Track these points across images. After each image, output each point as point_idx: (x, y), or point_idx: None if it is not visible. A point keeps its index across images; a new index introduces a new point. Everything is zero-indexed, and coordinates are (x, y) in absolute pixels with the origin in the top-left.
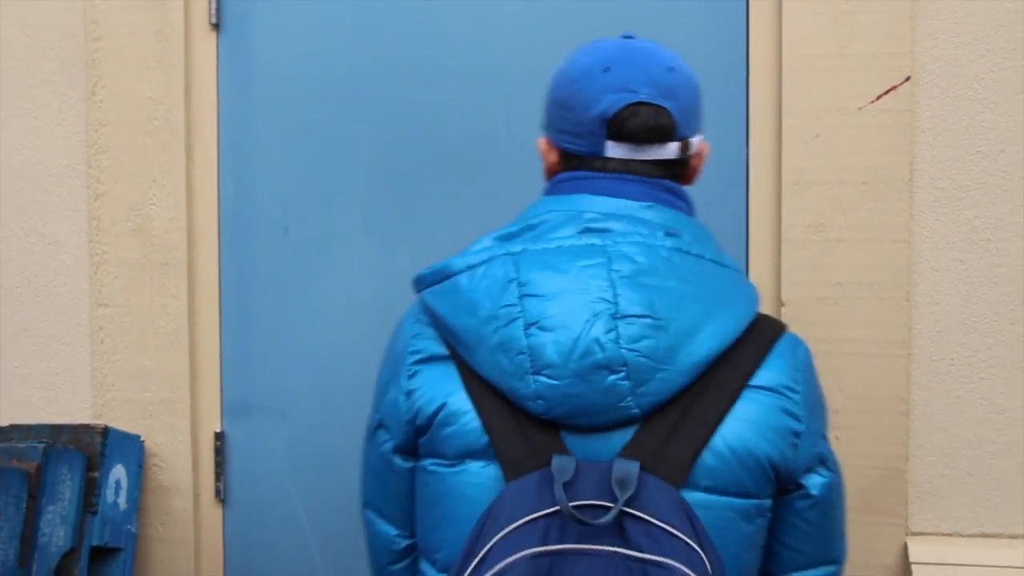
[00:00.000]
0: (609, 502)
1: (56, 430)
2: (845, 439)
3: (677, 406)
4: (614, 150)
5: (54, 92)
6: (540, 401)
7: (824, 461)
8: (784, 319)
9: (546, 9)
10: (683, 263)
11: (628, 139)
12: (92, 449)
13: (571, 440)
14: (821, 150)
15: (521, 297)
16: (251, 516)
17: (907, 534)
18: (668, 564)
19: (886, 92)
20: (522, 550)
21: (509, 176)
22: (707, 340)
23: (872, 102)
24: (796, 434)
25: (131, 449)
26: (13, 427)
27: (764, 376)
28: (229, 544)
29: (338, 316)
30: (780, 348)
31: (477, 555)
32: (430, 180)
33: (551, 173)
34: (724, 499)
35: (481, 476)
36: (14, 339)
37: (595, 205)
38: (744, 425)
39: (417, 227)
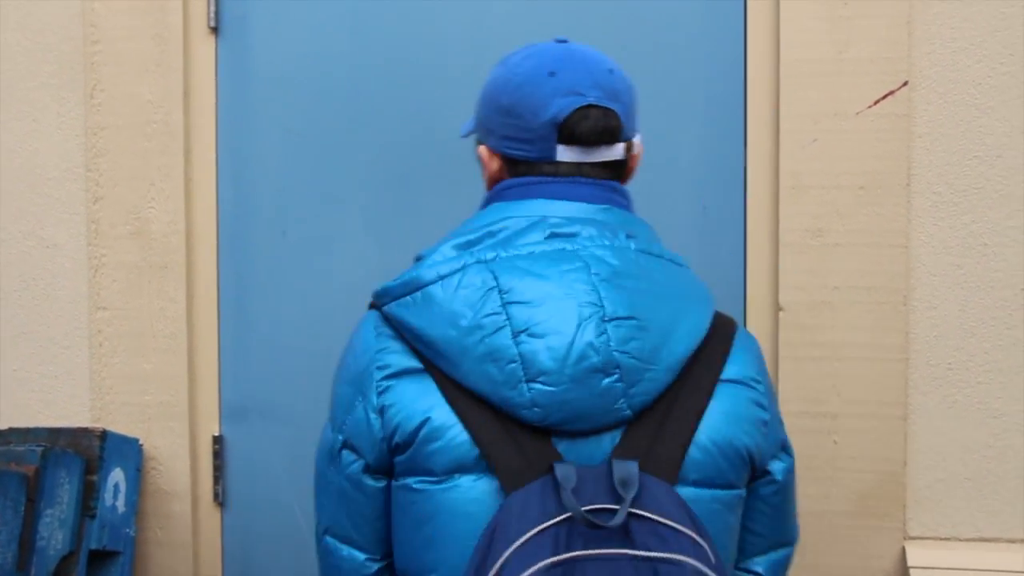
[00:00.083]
0: (613, 504)
1: (54, 433)
2: (843, 443)
3: (661, 405)
4: (564, 153)
5: (53, 95)
6: (536, 409)
7: (784, 447)
8: (782, 323)
9: (544, 11)
10: (648, 264)
11: (579, 142)
12: (90, 452)
13: (563, 446)
14: (819, 155)
15: (504, 305)
16: (249, 519)
17: (905, 538)
18: (679, 560)
19: (883, 97)
20: (537, 562)
21: None
22: (683, 338)
23: (870, 107)
24: (765, 423)
25: (129, 452)
26: (11, 430)
27: (732, 370)
28: (227, 547)
29: (337, 319)
30: (740, 342)
31: (490, 570)
32: (428, 182)
33: (493, 180)
34: (711, 492)
35: (474, 490)
36: (12, 342)
37: (555, 209)
38: (722, 418)
39: (416, 229)
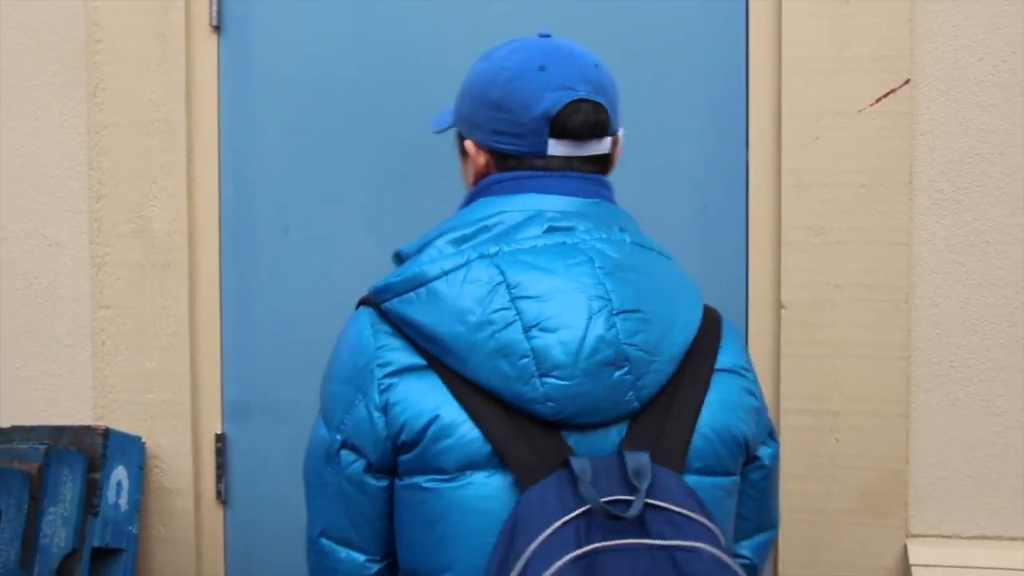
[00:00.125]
0: (627, 495)
1: (57, 431)
2: (845, 441)
3: (663, 396)
4: (556, 148)
5: (55, 94)
6: (550, 403)
7: (771, 433)
8: (784, 321)
9: (545, 11)
10: (643, 257)
11: (570, 136)
12: (93, 450)
13: (572, 439)
14: (821, 153)
15: (513, 300)
16: (252, 517)
17: (907, 536)
18: (696, 547)
19: (885, 95)
20: (562, 555)
21: None
22: (683, 329)
23: (871, 105)
24: (756, 411)
25: (132, 450)
26: (14, 428)
27: (724, 359)
28: (230, 545)
29: (339, 317)
30: (727, 332)
31: (514, 567)
32: (430, 181)
33: (480, 175)
34: (713, 479)
35: (487, 487)
36: (15, 340)
37: (549, 204)
38: (720, 407)
39: (417, 228)
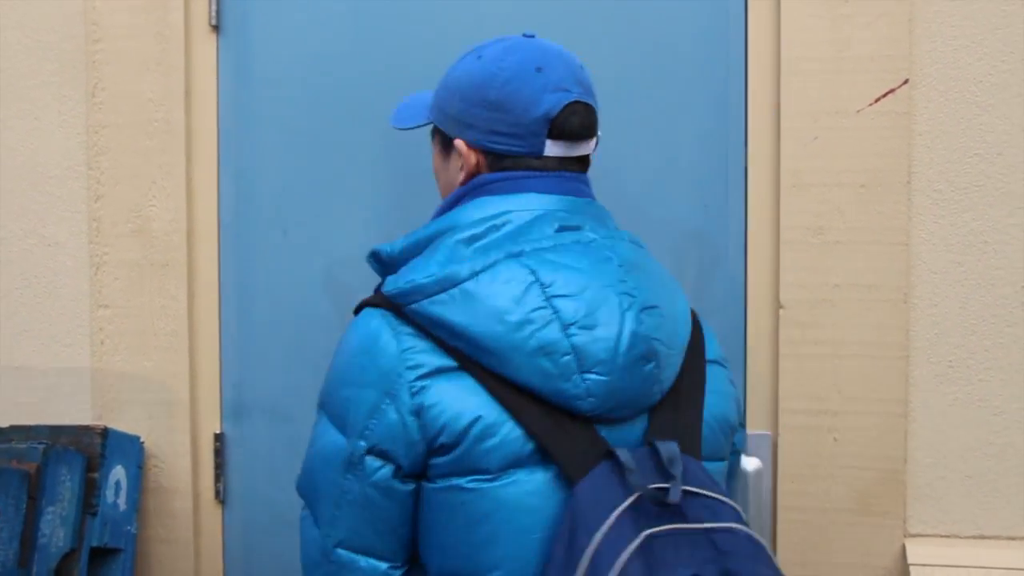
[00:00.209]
0: (663, 483)
1: (56, 431)
2: (843, 441)
3: (673, 387)
4: (552, 148)
5: (54, 94)
6: (591, 399)
7: (742, 421)
8: (782, 321)
9: (545, 11)
10: (641, 254)
11: (566, 138)
12: (92, 450)
13: (604, 432)
14: (819, 152)
15: (549, 299)
16: (250, 517)
17: (905, 536)
18: (733, 528)
19: (884, 95)
20: (626, 544)
21: None
22: (684, 323)
23: (870, 105)
24: (737, 400)
25: (131, 450)
26: (13, 428)
27: (710, 351)
28: (229, 544)
29: (338, 317)
30: (705, 325)
31: (581, 559)
32: (430, 182)
33: (470, 175)
34: (715, 464)
35: (531, 483)
36: (14, 340)
37: (552, 203)
38: (715, 397)
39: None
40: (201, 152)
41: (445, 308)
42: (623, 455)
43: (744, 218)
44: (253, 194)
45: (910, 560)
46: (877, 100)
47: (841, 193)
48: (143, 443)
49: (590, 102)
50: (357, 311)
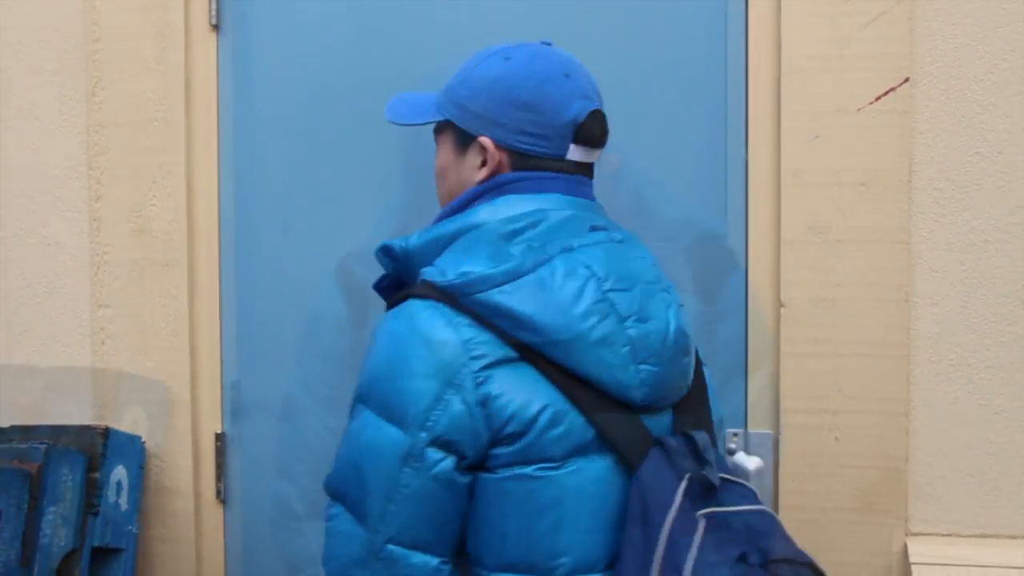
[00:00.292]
0: (699, 469)
1: (57, 431)
2: (845, 440)
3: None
4: (573, 153)
5: (54, 93)
6: (644, 388)
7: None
8: (783, 320)
9: (546, 11)
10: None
11: (587, 143)
12: (93, 450)
13: (646, 421)
14: (820, 151)
15: (606, 292)
16: (251, 517)
17: (907, 534)
18: (763, 510)
19: (885, 93)
20: (696, 525)
21: None
22: (686, 319)
23: (871, 103)
24: (715, 393)
25: (132, 450)
26: (14, 428)
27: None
28: (230, 544)
29: (338, 316)
30: None
31: (659, 541)
32: (430, 181)
33: (492, 172)
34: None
35: (594, 470)
36: (15, 340)
37: (574, 205)
38: (711, 392)
39: (417, 227)
40: (201, 151)
41: (512, 298)
42: (674, 443)
43: (745, 217)
44: (253, 193)
45: (911, 559)
46: (878, 99)
47: (842, 192)
48: (144, 443)
49: (603, 110)
50: (394, 304)
